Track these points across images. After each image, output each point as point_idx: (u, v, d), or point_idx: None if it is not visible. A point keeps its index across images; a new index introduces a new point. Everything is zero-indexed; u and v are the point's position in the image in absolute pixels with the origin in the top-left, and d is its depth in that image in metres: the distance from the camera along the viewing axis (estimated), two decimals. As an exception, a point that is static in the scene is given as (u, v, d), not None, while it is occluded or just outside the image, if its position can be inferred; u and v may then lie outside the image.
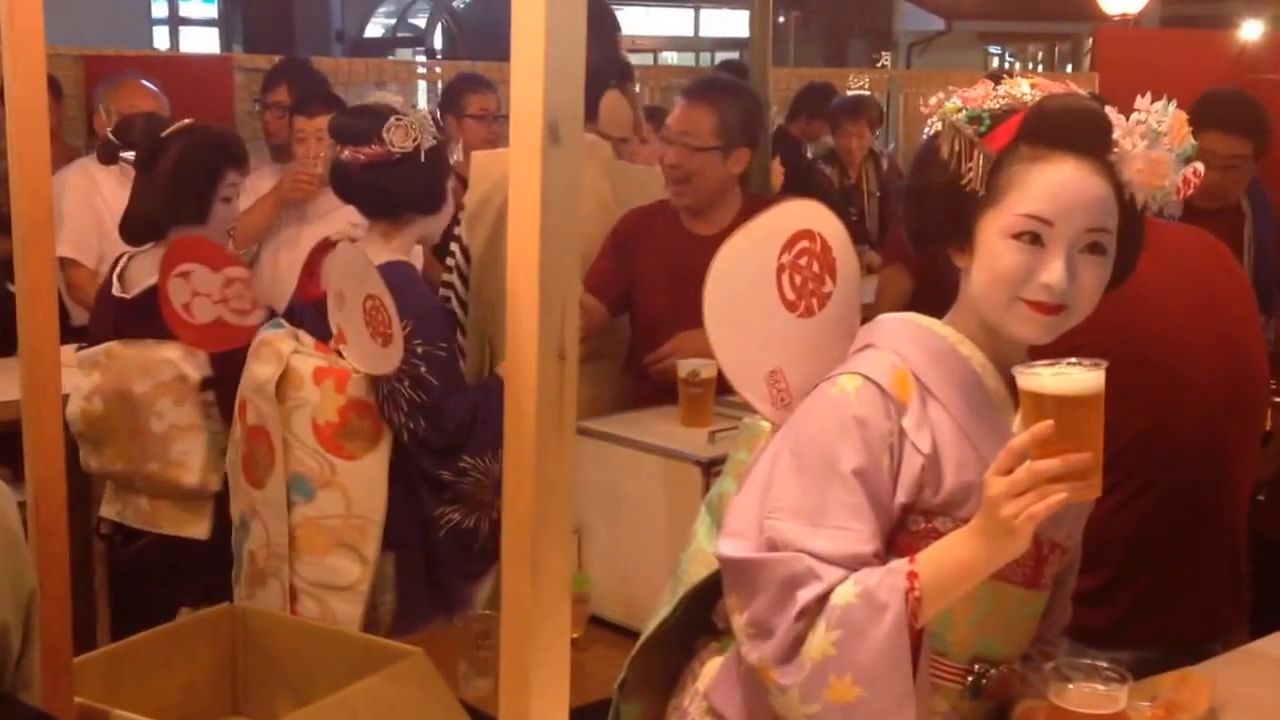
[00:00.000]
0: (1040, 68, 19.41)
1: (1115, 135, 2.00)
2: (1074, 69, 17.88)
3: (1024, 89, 2.07)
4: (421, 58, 19.23)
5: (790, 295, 2.13)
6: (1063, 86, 2.10)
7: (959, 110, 2.06)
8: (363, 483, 3.40)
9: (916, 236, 2.18)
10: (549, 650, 1.52)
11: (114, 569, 4.14)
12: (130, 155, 4.04)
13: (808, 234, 2.14)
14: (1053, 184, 1.98)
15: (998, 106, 2.05)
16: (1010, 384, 2.04)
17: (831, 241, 2.17)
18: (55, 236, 4.88)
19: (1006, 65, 20.76)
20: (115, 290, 4.07)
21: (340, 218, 4.87)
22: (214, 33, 18.31)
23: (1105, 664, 2.06)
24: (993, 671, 2.12)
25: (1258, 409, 3.19)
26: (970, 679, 2.11)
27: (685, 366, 3.49)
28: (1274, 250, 4.94)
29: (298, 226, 5.18)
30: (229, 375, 3.69)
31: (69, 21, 12.41)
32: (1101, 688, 2.03)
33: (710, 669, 2.24)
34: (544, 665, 1.51)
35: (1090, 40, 13.00)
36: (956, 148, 2.04)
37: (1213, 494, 3.01)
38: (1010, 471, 1.84)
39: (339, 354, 3.44)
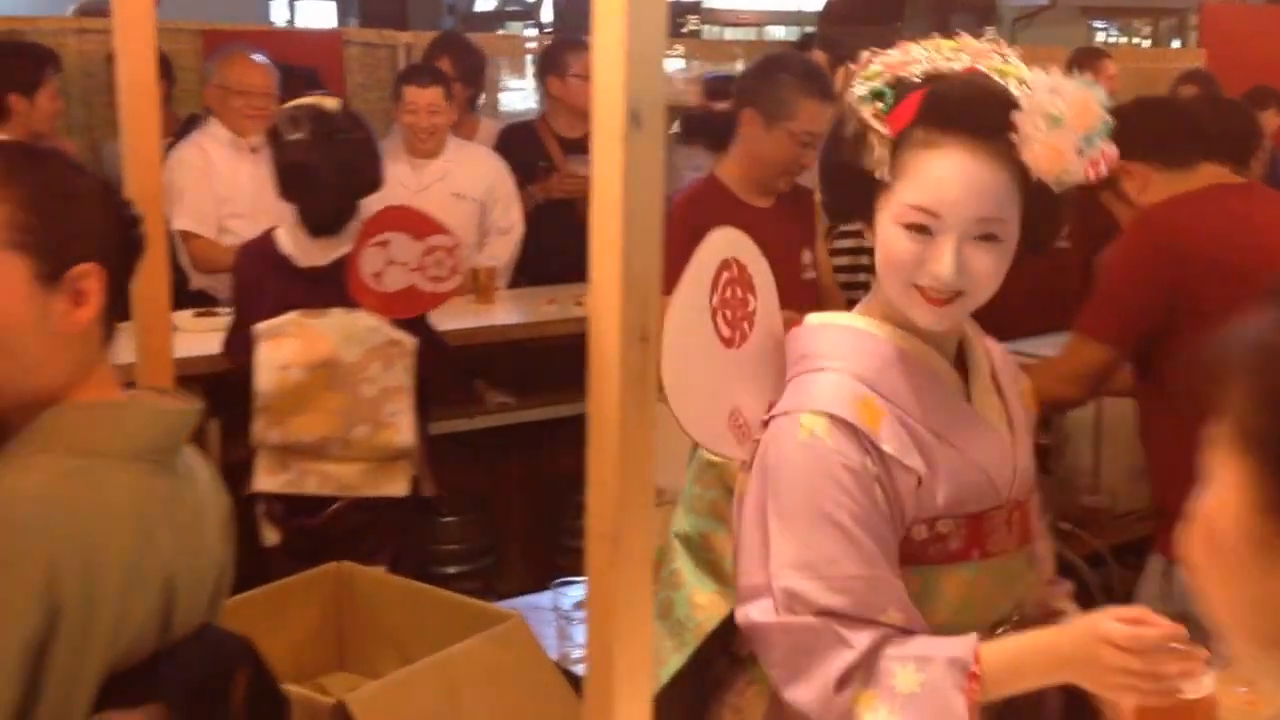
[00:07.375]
0: (1146, 43, 19.03)
1: (1015, 117, 1.87)
2: (1181, 44, 17.51)
3: (945, 54, 1.96)
4: (531, 31, 19.27)
5: (726, 332, 2.02)
6: (987, 49, 1.98)
7: (877, 76, 1.97)
8: None
9: (832, 211, 2.18)
10: (632, 628, 1.54)
11: (289, 538, 4.12)
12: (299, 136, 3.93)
13: (726, 264, 2.03)
14: (939, 175, 1.89)
15: (905, 77, 1.94)
16: (953, 361, 2.03)
17: (745, 260, 2.07)
18: (173, 210, 5.05)
19: (1110, 40, 20.38)
20: (298, 261, 4.02)
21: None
22: (331, 7, 18.43)
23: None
24: (1000, 632, 2.04)
25: None
26: None
27: None
28: None
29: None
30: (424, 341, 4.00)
31: (189, -3, 12.60)
32: None
33: (754, 706, 2.15)
34: (627, 643, 1.53)
35: (1195, 15, 12.64)
36: (852, 130, 1.97)
37: None
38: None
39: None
